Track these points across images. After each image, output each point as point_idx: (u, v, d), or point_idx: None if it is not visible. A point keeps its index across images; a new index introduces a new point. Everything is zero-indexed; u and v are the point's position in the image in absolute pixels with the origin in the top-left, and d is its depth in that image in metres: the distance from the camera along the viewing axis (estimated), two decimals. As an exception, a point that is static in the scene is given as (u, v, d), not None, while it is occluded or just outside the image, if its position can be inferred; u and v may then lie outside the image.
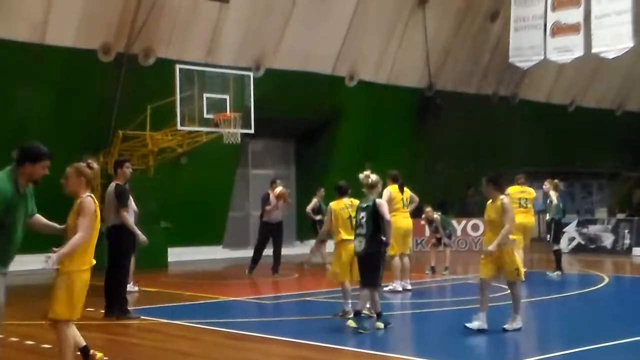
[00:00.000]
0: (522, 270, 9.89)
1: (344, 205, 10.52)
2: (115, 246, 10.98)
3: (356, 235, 9.91)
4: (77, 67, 18.21)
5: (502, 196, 9.64)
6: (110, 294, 10.97)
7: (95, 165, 7.02)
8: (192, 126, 17.17)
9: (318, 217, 17.93)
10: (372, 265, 9.78)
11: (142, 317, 10.97)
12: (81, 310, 6.79)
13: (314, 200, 18.46)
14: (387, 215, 9.84)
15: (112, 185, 11.25)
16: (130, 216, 11.31)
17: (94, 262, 6.83)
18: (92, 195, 6.84)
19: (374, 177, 10.09)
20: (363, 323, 9.68)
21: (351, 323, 9.79)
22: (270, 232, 16.78)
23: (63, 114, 18.12)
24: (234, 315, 11.38)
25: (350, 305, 10.51)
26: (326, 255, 16.97)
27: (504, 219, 9.43)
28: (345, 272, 10.38)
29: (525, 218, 14.66)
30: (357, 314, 9.78)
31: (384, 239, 9.75)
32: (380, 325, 9.84)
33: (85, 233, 6.58)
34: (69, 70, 18.18)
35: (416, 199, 13.88)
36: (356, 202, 10.38)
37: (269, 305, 12.87)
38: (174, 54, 19.20)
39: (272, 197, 16.69)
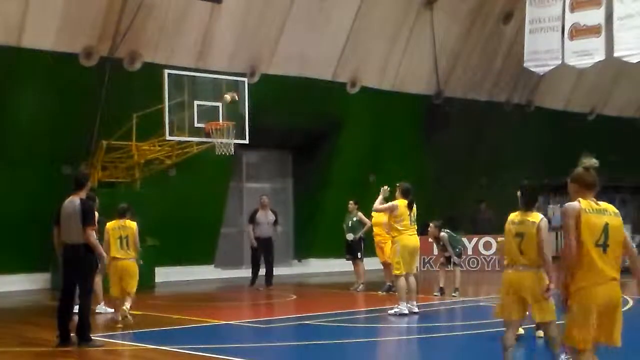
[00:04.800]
0: None
1: (118, 226, 12.76)
2: (82, 267, 10.57)
3: None
4: (56, 72, 18.14)
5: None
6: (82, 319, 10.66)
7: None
8: (182, 136, 17.18)
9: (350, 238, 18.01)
10: None
11: (127, 342, 10.91)
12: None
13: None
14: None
15: (76, 199, 10.59)
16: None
17: None
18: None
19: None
20: None
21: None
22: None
23: (42, 122, 18.02)
24: (225, 340, 11.38)
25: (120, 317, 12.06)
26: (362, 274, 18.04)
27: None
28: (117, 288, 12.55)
29: None
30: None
31: None
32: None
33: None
34: (48, 76, 18.13)
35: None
36: (132, 224, 12.69)
37: (264, 330, 12.81)
38: (162, 59, 19.17)
39: (260, 213, 18.39)
